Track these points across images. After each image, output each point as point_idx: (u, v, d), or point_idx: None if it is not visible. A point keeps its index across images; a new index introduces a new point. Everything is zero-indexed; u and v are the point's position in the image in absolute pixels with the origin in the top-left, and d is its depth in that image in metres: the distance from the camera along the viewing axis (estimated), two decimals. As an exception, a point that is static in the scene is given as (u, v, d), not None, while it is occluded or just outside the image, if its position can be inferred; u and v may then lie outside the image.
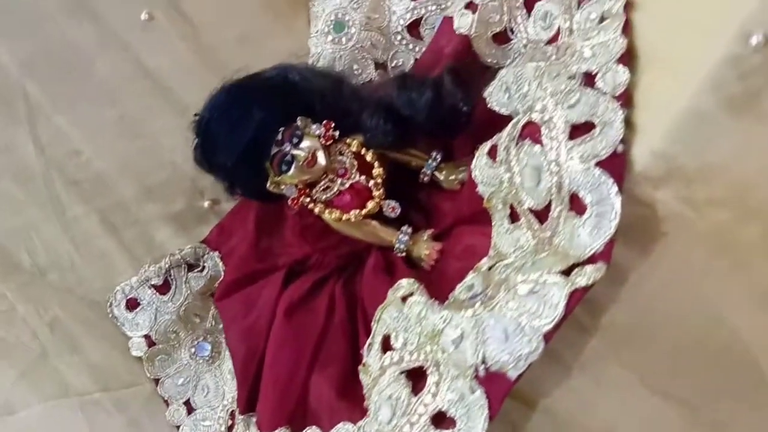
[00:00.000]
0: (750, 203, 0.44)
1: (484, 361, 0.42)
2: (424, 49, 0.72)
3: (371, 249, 0.62)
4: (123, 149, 0.72)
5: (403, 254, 0.60)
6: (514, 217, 0.50)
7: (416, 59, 0.72)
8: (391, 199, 0.60)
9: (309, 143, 0.59)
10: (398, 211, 0.60)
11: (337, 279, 0.64)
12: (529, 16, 0.61)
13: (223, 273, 0.73)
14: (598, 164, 0.43)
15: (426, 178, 0.62)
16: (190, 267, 0.74)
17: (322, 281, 0.64)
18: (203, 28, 0.71)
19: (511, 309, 0.42)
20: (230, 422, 0.70)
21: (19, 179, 0.70)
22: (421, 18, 0.72)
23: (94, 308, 0.72)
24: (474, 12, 0.62)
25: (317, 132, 0.59)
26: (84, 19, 0.68)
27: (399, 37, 0.73)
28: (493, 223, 0.52)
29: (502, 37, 0.63)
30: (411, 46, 0.73)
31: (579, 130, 0.45)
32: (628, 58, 0.47)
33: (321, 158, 0.59)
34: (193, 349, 0.74)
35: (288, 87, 0.60)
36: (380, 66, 0.74)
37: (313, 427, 0.57)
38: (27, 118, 0.69)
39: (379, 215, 0.61)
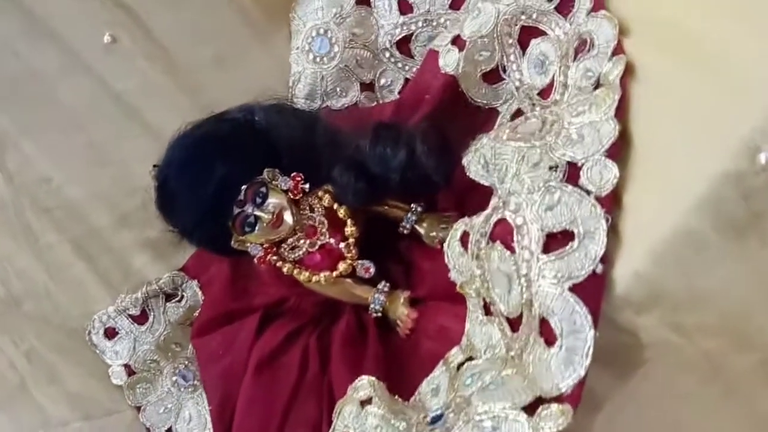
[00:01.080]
0: (747, 332, 0.39)
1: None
2: (414, 67, 0.65)
3: (346, 307, 0.58)
4: (94, 175, 0.68)
5: (379, 314, 0.56)
6: (487, 309, 0.45)
7: (406, 80, 0.66)
8: (365, 259, 0.55)
9: (275, 200, 0.54)
10: (372, 271, 0.55)
11: (312, 331, 0.60)
12: (523, 54, 0.54)
13: (202, 301, 0.70)
14: (574, 288, 0.38)
15: (406, 231, 0.57)
16: (168, 296, 0.70)
17: (297, 333, 0.60)
18: (174, 48, 0.65)
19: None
20: (213, 451, 0.68)
21: (-13, 208, 0.67)
22: (412, 34, 0.65)
23: (72, 336, 0.70)
24: (461, 49, 0.55)
25: (285, 186, 0.54)
26: (44, 43, 0.63)
27: (387, 54, 0.66)
28: (467, 309, 0.47)
29: (493, 75, 0.56)
30: (401, 64, 0.66)
31: (555, 242, 0.39)
32: (619, 148, 0.41)
33: (288, 218, 0.54)
34: (174, 378, 0.71)
35: (254, 136, 0.55)
36: (366, 86, 0.67)
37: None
38: (-8, 145, 0.66)
39: (352, 274, 0.56)
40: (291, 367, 0.59)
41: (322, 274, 0.55)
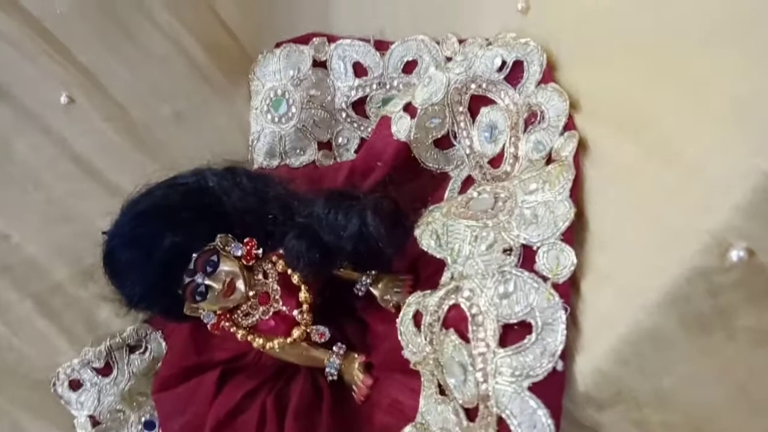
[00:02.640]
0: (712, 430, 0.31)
1: None
2: (370, 127, 0.57)
3: (300, 371, 0.49)
4: (54, 232, 0.58)
5: (335, 378, 0.47)
6: (442, 389, 0.37)
7: (362, 139, 0.58)
8: (319, 324, 0.47)
9: (227, 268, 0.45)
10: (327, 336, 0.47)
11: (270, 389, 0.51)
12: (473, 122, 0.47)
13: (165, 352, 0.60)
14: (533, 387, 0.30)
15: (360, 293, 0.49)
16: (132, 348, 0.61)
17: (254, 392, 0.51)
18: (132, 107, 0.56)
19: None
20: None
21: (-55, 266, 0.56)
22: (366, 96, 0.57)
23: (37, 388, 0.60)
24: (413, 116, 0.47)
25: (238, 253, 0.45)
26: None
27: (344, 115, 0.58)
28: (421, 386, 0.39)
29: (444, 141, 0.48)
30: (356, 125, 0.58)
31: (511, 336, 0.32)
32: (574, 232, 0.33)
33: (240, 285, 0.45)
34: (140, 426, 0.62)
35: (205, 202, 0.46)
36: (324, 145, 0.59)
37: None
38: (-52, 204, 0.55)
39: (307, 338, 0.47)
40: (249, 426, 0.50)
41: (276, 341, 0.46)
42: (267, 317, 0.46)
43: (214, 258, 0.45)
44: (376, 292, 0.48)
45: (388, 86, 0.56)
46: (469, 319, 0.32)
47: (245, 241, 0.46)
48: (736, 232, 0.27)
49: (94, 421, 0.61)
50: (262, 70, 0.58)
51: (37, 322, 0.59)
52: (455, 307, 0.34)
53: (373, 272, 0.48)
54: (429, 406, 0.38)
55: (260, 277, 0.47)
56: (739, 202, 0.27)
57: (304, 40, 0.57)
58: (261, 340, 0.47)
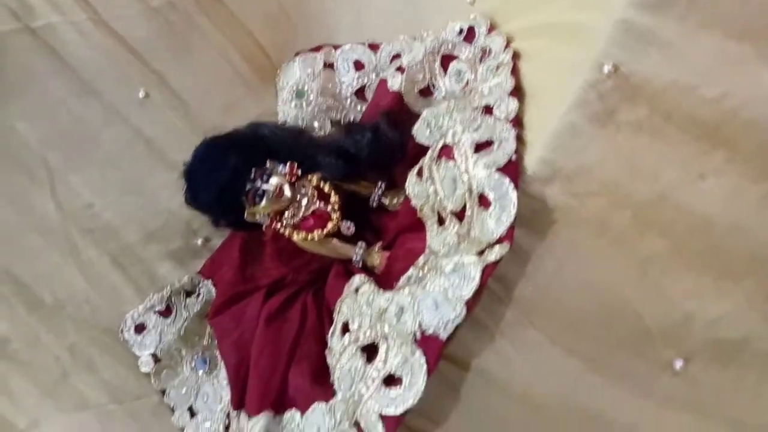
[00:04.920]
0: (619, 194, 0.47)
1: (420, 328, 0.43)
2: (369, 107, 0.75)
3: (334, 263, 0.64)
4: (127, 202, 0.72)
5: (360, 265, 0.62)
6: (441, 221, 0.52)
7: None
8: (347, 220, 0.62)
9: (276, 180, 0.61)
10: (353, 229, 0.62)
11: (308, 292, 0.65)
12: (445, 74, 0.65)
13: (215, 296, 0.73)
14: (498, 170, 0.46)
15: (374, 204, 0.64)
16: (188, 294, 0.74)
17: (296, 294, 0.65)
18: (191, 101, 0.74)
19: (439, 285, 0.44)
20: (227, 422, 0.69)
21: (41, 231, 0.70)
22: (365, 85, 0.76)
23: (108, 334, 0.72)
24: (402, 74, 0.66)
25: (283, 171, 0.62)
26: (89, 99, 0.70)
27: (349, 101, 0.76)
28: (426, 229, 0.54)
29: (427, 92, 0.67)
30: (359, 107, 0.76)
31: (482, 147, 0.48)
32: (517, 94, 0.51)
33: (287, 191, 0.61)
34: (193, 363, 0.73)
35: (258, 138, 0.63)
36: (335, 123, 0.77)
37: (292, 409, 0.57)
38: (48, 180, 0.70)
39: (338, 234, 0.62)
40: (293, 320, 0.63)
41: (315, 233, 0.61)
42: (308, 214, 0.61)
43: (268, 171, 0.61)
44: (386, 201, 0.64)
45: (381, 74, 0.75)
46: (454, 147, 0.49)
47: (288, 163, 0.62)
48: (606, 55, 0.45)
49: (156, 359, 0.72)
50: (286, 72, 0.77)
51: (110, 277, 0.72)
52: (444, 147, 0.50)
53: (383, 185, 0.64)
54: (433, 240, 0.53)
55: (301, 190, 0.62)
56: (608, 35, 0.44)
57: (317, 49, 0.77)
58: (303, 234, 0.61)
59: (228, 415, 0.69)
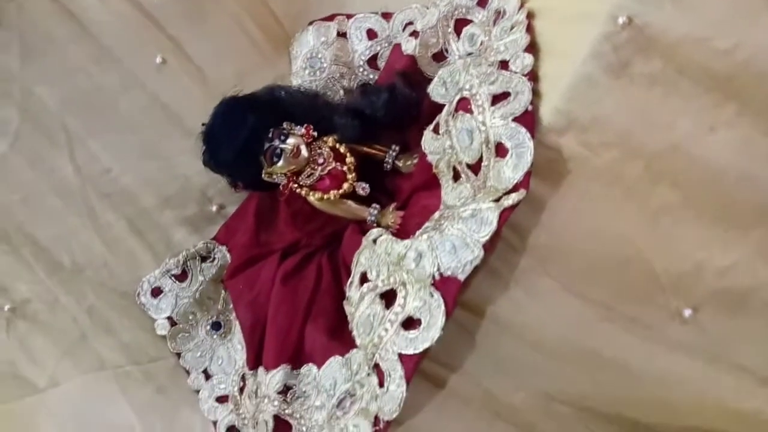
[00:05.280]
0: (632, 144, 0.48)
1: (439, 270, 0.44)
2: (381, 75, 0.77)
3: (349, 225, 0.65)
4: (144, 167, 0.74)
5: (374, 225, 0.63)
6: (456, 177, 0.54)
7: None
8: (361, 182, 0.63)
9: (293, 140, 0.62)
10: (368, 190, 0.63)
11: (323, 253, 0.66)
12: (458, 38, 0.67)
13: (229, 261, 0.74)
14: (515, 120, 0.47)
15: (388, 167, 0.66)
16: (203, 259, 0.75)
17: (311, 255, 0.66)
18: (206, 68, 0.75)
19: (456, 229, 0.45)
20: (242, 384, 0.70)
21: (60, 194, 0.72)
22: (377, 53, 0.77)
23: (125, 297, 0.73)
24: (416, 38, 0.67)
25: (300, 132, 0.63)
26: (108, 65, 0.71)
27: (362, 69, 0.77)
28: (441, 185, 0.55)
29: (440, 56, 0.68)
30: (372, 76, 0.77)
31: (498, 99, 0.49)
32: (532, 50, 0.52)
33: (304, 151, 0.62)
34: (208, 327, 0.74)
35: (275, 100, 0.64)
36: (348, 91, 0.78)
37: (309, 364, 0.58)
38: (67, 144, 0.72)
39: (352, 195, 0.64)
40: (309, 279, 0.64)
41: (330, 193, 0.62)
42: (324, 173, 0.63)
43: (285, 131, 0.62)
44: (400, 164, 0.65)
45: (393, 42, 0.76)
46: (471, 99, 0.50)
47: (305, 125, 0.63)
48: (620, 7, 0.46)
49: (172, 322, 0.74)
50: (300, 41, 0.78)
51: (127, 241, 0.74)
52: (461, 100, 0.52)
53: (397, 148, 0.65)
54: (447, 195, 0.54)
55: (317, 150, 0.64)
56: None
57: (330, 18, 0.78)
58: (319, 194, 0.63)
59: (243, 378, 0.70)
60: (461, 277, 0.44)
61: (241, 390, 0.70)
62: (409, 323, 0.46)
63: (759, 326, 0.50)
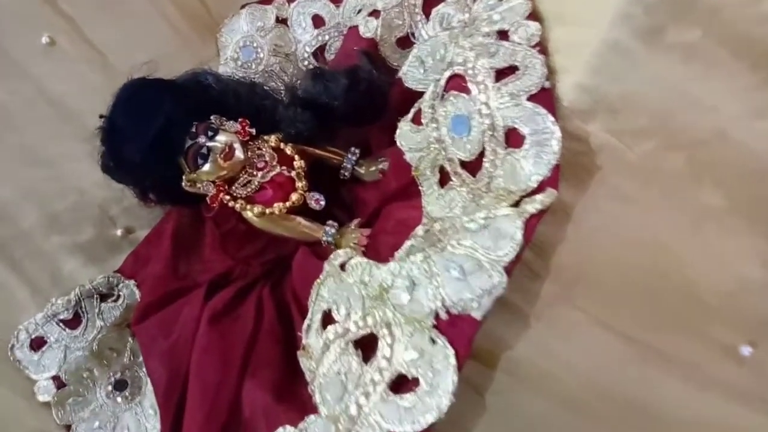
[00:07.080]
0: (671, 130, 0.38)
1: (443, 305, 0.32)
2: (330, 72, 0.65)
3: (298, 248, 0.51)
4: (24, 176, 0.59)
5: (332, 248, 0.50)
6: (443, 181, 0.42)
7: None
8: (314, 192, 0.50)
9: (224, 137, 0.48)
10: (323, 203, 0.50)
11: (263, 285, 0.52)
12: (428, 21, 0.56)
13: (139, 300, 0.58)
14: (530, 98, 0.36)
15: (347, 174, 0.53)
16: (103, 297, 0.59)
17: (247, 289, 0.52)
18: (110, 53, 0.61)
19: (464, 247, 0.33)
20: (156, 463, 0.54)
21: None
22: (325, 44, 0.65)
23: (-5, 352, 0.55)
24: (377, 18, 0.56)
25: (233, 128, 0.49)
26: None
27: (306, 63, 0.65)
28: (422, 193, 0.43)
29: (405, 42, 0.57)
30: (317, 70, 0.66)
31: (503, 75, 0.38)
32: (535, 18, 0.42)
33: (238, 151, 0.48)
34: (109, 387, 0.58)
35: (201, 87, 0.50)
36: (290, 88, 0.65)
37: (251, 436, 0.43)
38: None
39: (303, 210, 0.50)
40: (245, 319, 0.50)
41: (275, 206, 0.49)
42: (266, 181, 0.49)
43: (213, 126, 0.48)
44: (361, 170, 0.53)
45: (344, 32, 0.65)
46: (466, 74, 0.39)
47: (239, 120, 0.50)
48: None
49: (59, 383, 0.57)
50: (229, 27, 0.65)
51: (-1, 273, 0.57)
52: (452, 77, 0.40)
53: (357, 152, 0.53)
54: (432, 204, 0.42)
55: (257, 152, 0.50)
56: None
57: (267, 1, 0.66)
58: (259, 208, 0.49)
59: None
60: (477, 315, 0.31)
61: (156, 471, 0.54)
62: (401, 384, 0.32)
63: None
